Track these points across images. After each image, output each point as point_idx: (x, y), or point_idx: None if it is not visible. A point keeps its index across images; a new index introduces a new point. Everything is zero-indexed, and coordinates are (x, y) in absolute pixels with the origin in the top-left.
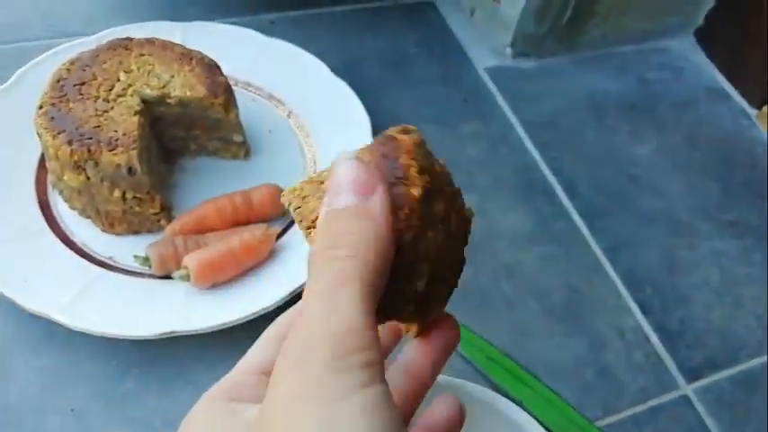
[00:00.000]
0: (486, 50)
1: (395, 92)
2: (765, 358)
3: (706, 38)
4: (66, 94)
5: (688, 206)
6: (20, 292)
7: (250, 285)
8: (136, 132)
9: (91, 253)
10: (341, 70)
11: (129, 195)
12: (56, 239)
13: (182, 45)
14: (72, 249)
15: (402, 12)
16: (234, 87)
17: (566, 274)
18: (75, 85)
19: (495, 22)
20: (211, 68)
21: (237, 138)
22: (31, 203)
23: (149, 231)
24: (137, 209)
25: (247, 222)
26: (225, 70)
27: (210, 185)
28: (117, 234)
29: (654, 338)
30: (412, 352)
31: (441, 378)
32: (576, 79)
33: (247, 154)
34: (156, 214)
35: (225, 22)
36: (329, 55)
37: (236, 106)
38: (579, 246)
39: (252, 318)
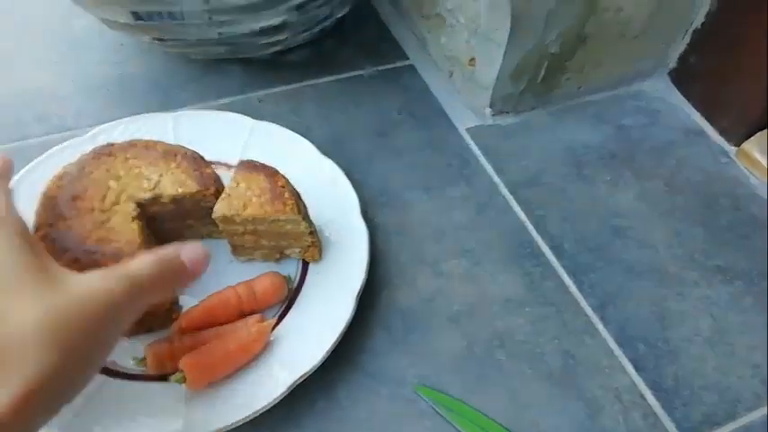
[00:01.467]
0: (467, 110)
1: (382, 163)
2: (765, 410)
3: (680, 78)
4: (61, 213)
5: (674, 255)
6: None
7: (249, 382)
8: (138, 239)
9: None
10: (328, 145)
11: None
12: None
13: (163, 142)
14: None
15: (383, 77)
16: (225, 171)
17: (558, 336)
18: (67, 201)
19: (473, 83)
20: (196, 160)
21: None
22: None
23: (163, 327)
24: (149, 308)
25: (251, 312)
26: (216, 155)
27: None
28: (132, 334)
29: (650, 397)
30: None
31: None
32: (555, 132)
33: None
34: (167, 310)
35: (216, 104)
36: (316, 128)
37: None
38: (569, 305)
39: (254, 416)
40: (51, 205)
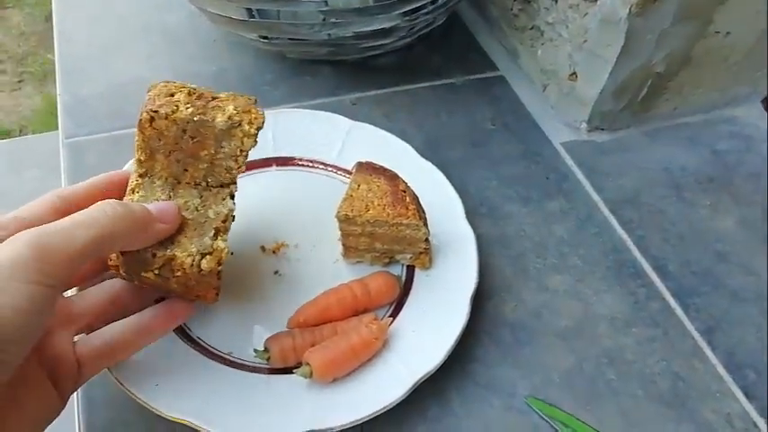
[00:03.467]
0: (560, 124)
1: (478, 171)
2: None
3: None
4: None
5: None
6: (155, 398)
7: (369, 379)
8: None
9: (211, 349)
10: (423, 149)
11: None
12: (177, 337)
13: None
14: (194, 347)
15: (474, 87)
16: (324, 171)
17: (667, 359)
18: None
19: (571, 98)
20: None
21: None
22: None
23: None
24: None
25: (365, 310)
26: (313, 154)
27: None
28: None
29: (762, 426)
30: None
31: None
32: (650, 152)
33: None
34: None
35: (309, 104)
36: (410, 133)
37: None
38: (676, 328)
39: (381, 413)
40: None
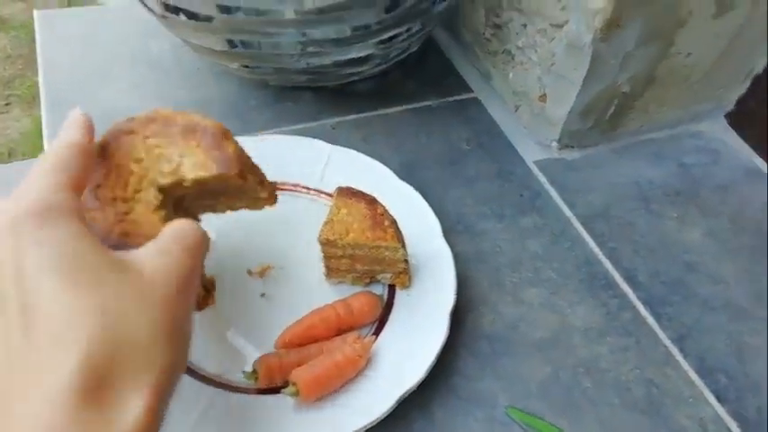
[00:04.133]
0: (532, 143)
1: (454, 190)
2: None
3: (738, 121)
4: (85, 204)
5: (745, 291)
6: None
7: (354, 396)
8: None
9: (201, 372)
10: (401, 171)
11: None
12: None
13: (185, 113)
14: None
15: (450, 109)
16: (306, 194)
17: (640, 366)
18: (91, 191)
19: (542, 118)
20: (216, 137)
21: (263, 194)
22: None
23: (199, 309)
24: None
25: (349, 329)
26: (296, 177)
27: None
28: None
29: (735, 428)
30: None
31: None
32: (619, 168)
33: (275, 201)
34: (204, 297)
35: (291, 129)
36: (388, 155)
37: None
38: (648, 336)
39: (367, 428)
40: None
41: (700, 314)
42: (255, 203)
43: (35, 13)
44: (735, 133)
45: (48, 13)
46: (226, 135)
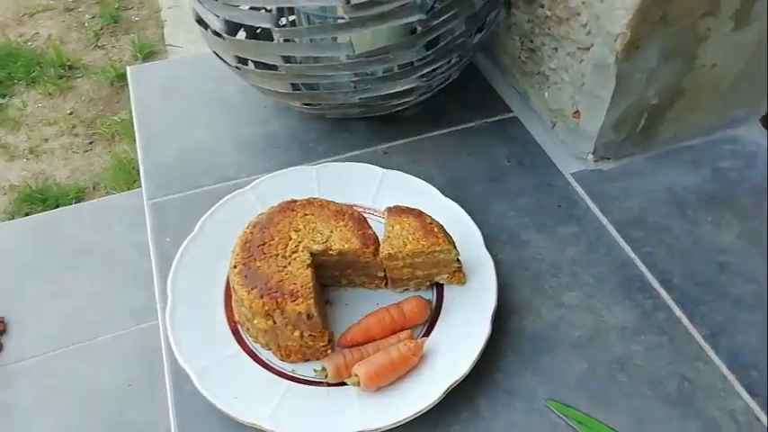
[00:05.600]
0: (569, 157)
1: (497, 204)
2: None
3: None
4: (252, 254)
5: None
6: (234, 408)
7: (409, 388)
8: (311, 284)
9: (278, 369)
10: (447, 188)
11: (306, 334)
12: (250, 359)
13: (335, 202)
14: (263, 367)
15: (491, 129)
16: (363, 214)
17: (673, 362)
18: (258, 246)
19: (577, 133)
20: (360, 222)
21: (380, 273)
22: (226, 332)
23: (317, 359)
24: (310, 343)
25: (401, 329)
26: (352, 199)
27: (359, 312)
28: (291, 362)
29: (764, 419)
30: None
31: None
32: (654, 176)
33: (387, 285)
34: (324, 346)
35: (347, 156)
36: (436, 175)
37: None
38: (681, 334)
39: (418, 415)
40: (246, 248)
41: (732, 312)
42: (371, 281)
43: (128, 69)
44: None
45: (138, 66)
46: (366, 223)
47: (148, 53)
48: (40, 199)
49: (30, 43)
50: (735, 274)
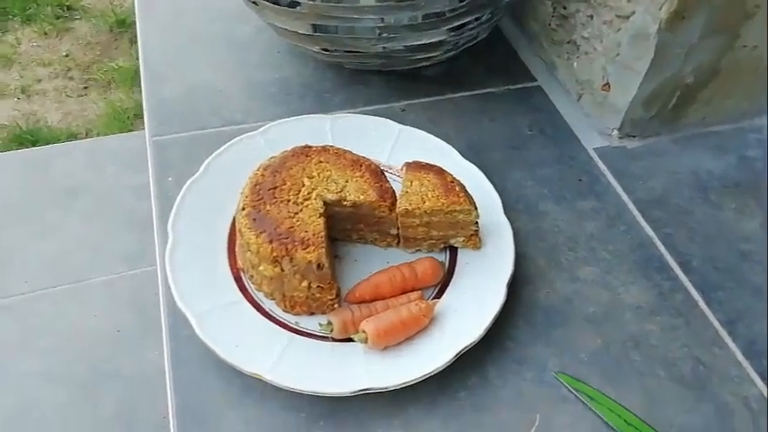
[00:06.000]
0: (593, 131)
1: (516, 172)
2: None
3: None
4: (262, 198)
5: None
6: (235, 356)
7: (418, 349)
8: (323, 233)
9: (281, 320)
10: (466, 152)
11: (313, 285)
12: (252, 308)
13: (351, 152)
14: (266, 317)
15: (514, 96)
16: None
17: (689, 345)
18: (269, 189)
19: (604, 107)
20: (377, 174)
21: (393, 231)
22: (229, 278)
23: (323, 313)
24: (318, 295)
25: (412, 289)
26: (366, 153)
27: (367, 269)
28: (296, 314)
29: None
30: None
31: None
32: (679, 159)
33: (399, 243)
34: (331, 300)
35: (363, 110)
36: (454, 138)
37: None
38: (698, 318)
39: (426, 378)
40: (256, 190)
41: (752, 301)
42: (383, 239)
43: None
44: None
45: None
46: (384, 175)
47: None
48: (30, 140)
49: None
50: (756, 263)
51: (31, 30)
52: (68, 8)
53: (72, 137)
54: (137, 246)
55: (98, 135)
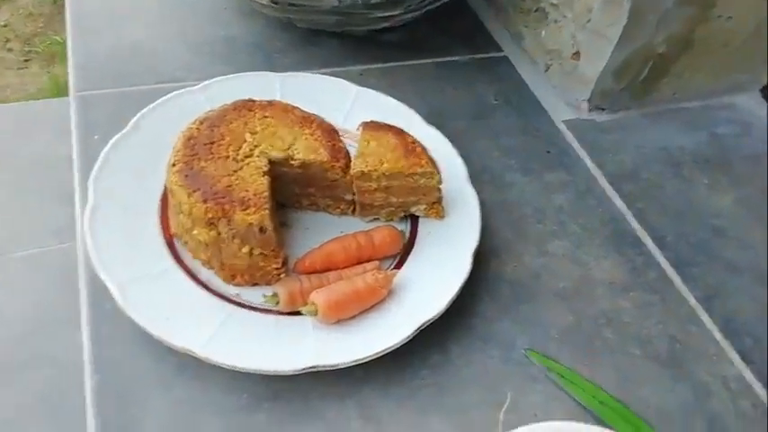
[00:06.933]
0: (562, 103)
1: (480, 142)
2: None
3: None
4: (197, 153)
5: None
6: (164, 330)
7: (373, 323)
8: (266, 193)
9: (220, 291)
10: (428, 120)
11: (256, 252)
12: (187, 278)
13: (300, 108)
14: (201, 287)
15: (477, 65)
16: None
17: (663, 322)
18: (205, 144)
19: (573, 77)
20: (330, 133)
21: (348, 196)
22: (160, 244)
23: (267, 284)
24: (261, 264)
25: (368, 259)
26: (320, 116)
27: (319, 238)
28: (237, 285)
29: (758, 388)
30: None
31: (558, 423)
32: (650, 133)
33: (355, 211)
34: (277, 269)
35: (318, 72)
36: (415, 104)
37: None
38: (673, 294)
39: (381, 355)
40: (190, 145)
41: (726, 277)
42: (337, 205)
43: None
44: None
45: None
46: (337, 134)
47: None
48: None
49: None
50: (729, 238)
51: None
52: None
53: None
54: (67, 218)
55: None
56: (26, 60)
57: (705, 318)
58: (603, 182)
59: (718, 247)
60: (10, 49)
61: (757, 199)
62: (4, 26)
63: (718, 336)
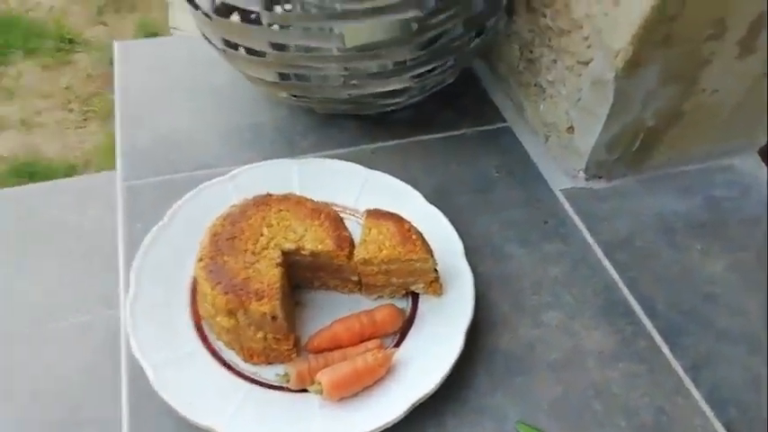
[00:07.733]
0: (560, 173)
1: (482, 216)
2: None
3: None
4: (220, 249)
5: (765, 324)
6: (191, 409)
7: (375, 401)
8: (278, 284)
9: (239, 370)
10: (433, 195)
11: (269, 336)
12: (210, 359)
13: (312, 200)
14: (224, 366)
15: (483, 138)
16: (342, 214)
17: (650, 393)
18: (227, 240)
19: (569, 149)
20: (336, 222)
21: (354, 278)
22: (190, 327)
23: (281, 362)
24: (274, 346)
25: (371, 337)
26: (333, 198)
27: (330, 316)
28: (254, 364)
29: None
30: None
31: None
32: (645, 199)
33: (362, 290)
34: (288, 350)
35: (333, 153)
36: (422, 181)
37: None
38: (661, 364)
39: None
40: (214, 241)
41: (716, 345)
42: (345, 285)
43: (115, 43)
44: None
45: (126, 43)
46: (343, 223)
47: (151, 34)
48: (27, 173)
49: (30, 12)
50: (720, 305)
51: (33, 63)
52: (70, 41)
53: (70, 169)
54: (114, 286)
55: (95, 167)
56: (84, 119)
57: (692, 388)
58: (598, 251)
59: (710, 314)
60: (71, 110)
61: (751, 263)
62: (66, 88)
63: (704, 406)
